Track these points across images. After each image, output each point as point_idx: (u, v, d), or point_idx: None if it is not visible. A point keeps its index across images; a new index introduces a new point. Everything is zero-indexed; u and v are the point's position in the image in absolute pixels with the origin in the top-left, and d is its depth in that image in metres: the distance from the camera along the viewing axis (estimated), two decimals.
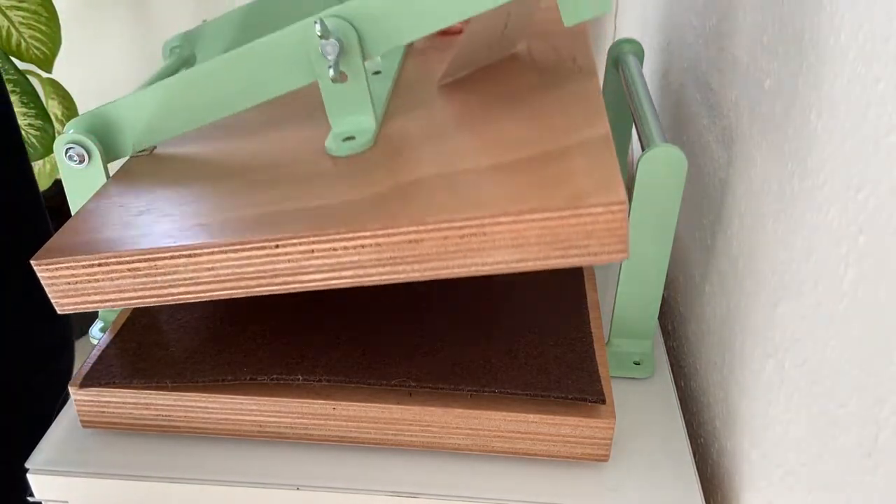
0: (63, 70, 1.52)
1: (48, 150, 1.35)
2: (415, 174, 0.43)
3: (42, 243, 0.45)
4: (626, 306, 0.52)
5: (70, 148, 0.49)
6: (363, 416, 0.46)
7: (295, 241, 0.41)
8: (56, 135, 1.40)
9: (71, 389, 0.47)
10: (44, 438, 0.50)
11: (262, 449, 0.49)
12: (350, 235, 0.40)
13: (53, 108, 1.48)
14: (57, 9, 1.45)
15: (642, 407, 0.52)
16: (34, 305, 0.71)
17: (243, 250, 0.41)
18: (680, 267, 0.65)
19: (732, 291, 0.51)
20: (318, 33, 0.45)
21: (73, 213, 0.51)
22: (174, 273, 0.43)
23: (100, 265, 0.43)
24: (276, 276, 0.42)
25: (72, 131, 0.49)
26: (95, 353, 0.49)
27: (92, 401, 0.47)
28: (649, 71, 0.80)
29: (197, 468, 0.48)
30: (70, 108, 1.49)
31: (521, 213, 0.38)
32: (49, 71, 1.48)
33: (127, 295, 0.44)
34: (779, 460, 0.42)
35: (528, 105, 0.49)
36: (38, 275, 0.43)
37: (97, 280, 0.43)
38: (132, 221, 0.45)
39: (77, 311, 0.45)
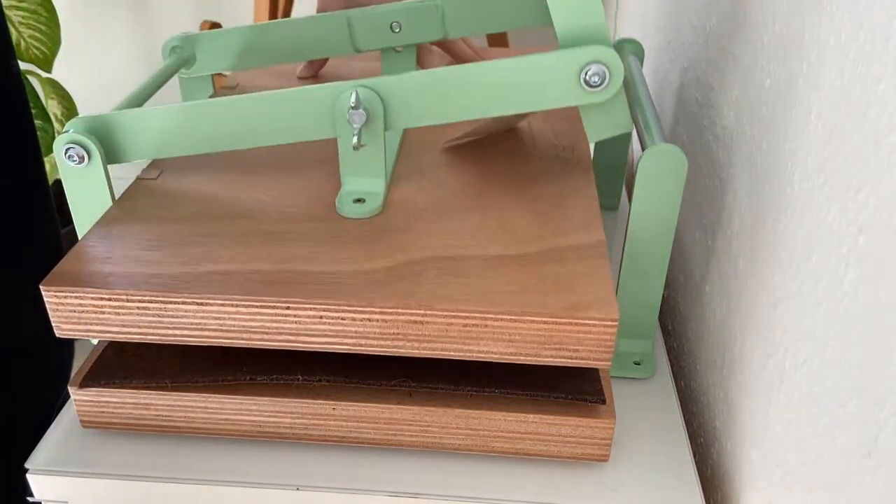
0: (63, 70, 1.52)
1: (48, 150, 1.35)
2: (424, 252, 0.46)
3: (48, 246, 0.45)
4: (626, 306, 0.52)
5: (70, 148, 0.49)
6: (363, 416, 0.46)
7: (306, 306, 0.42)
8: (56, 135, 1.40)
9: (71, 389, 0.47)
10: (44, 438, 0.50)
11: (261, 449, 0.49)
12: (359, 308, 0.42)
13: (53, 108, 1.48)
14: (57, 9, 1.45)
15: (642, 407, 0.52)
16: (33, 305, 0.71)
17: (254, 307, 0.43)
18: (680, 267, 0.65)
19: (732, 291, 0.51)
20: (352, 104, 0.46)
21: (73, 214, 0.51)
22: (181, 317, 0.43)
23: (109, 299, 0.43)
24: (280, 333, 0.43)
25: (72, 131, 0.49)
26: (95, 352, 0.49)
27: (92, 401, 0.47)
28: (649, 71, 0.80)
29: (197, 468, 0.47)
30: (70, 108, 1.49)
31: (522, 315, 0.42)
32: (49, 71, 1.48)
33: (129, 330, 0.44)
34: (779, 460, 0.42)
35: (529, 194, 0.53)
36: (45, 299, 0.44)
37: (103, 312, 0.44)
38: (143, 256, 0.46)
39: (74, 338, 0.46)
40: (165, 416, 0.47)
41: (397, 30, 0.65)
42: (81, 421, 0.48)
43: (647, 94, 0.55)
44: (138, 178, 0.55)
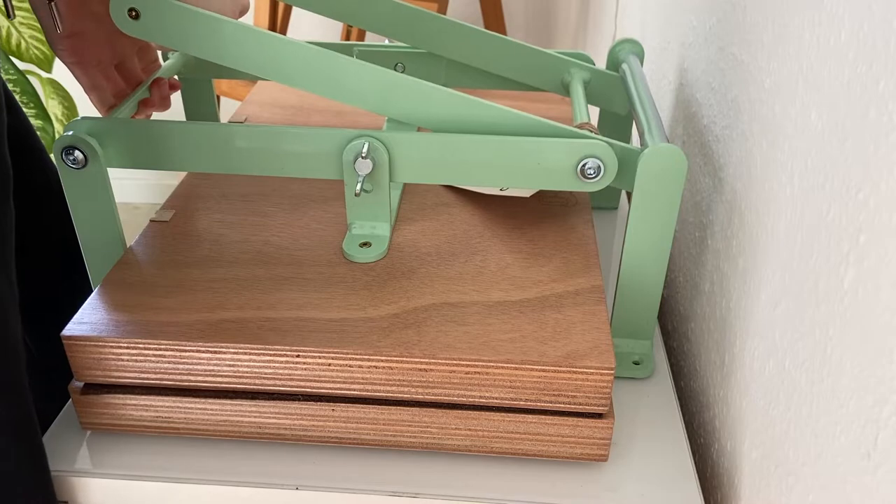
0: (64, 70, 1.52)
1: (48, 150, 1.35)
2: (427, 298, 0.48)
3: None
4: (625, 306, 0.52)
5: (70, 149, 0.49)
6: (362, 417, 0.46)
7: (315, 353, 0.44)
8: (56, 135, 1.40)
9: (71, 392, 0.47)
10: (43, 438, 0.49)
11: (261, 449, 0.49)
12: (366, 357, 0.44)
13: (53, 108, 1.48)
14: None
15: (642, 407, 0.52)
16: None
17: (266, 355, 0.44)
18: (680, 267, 0.65)
19: (732, 291, 0.51)
20: (363, 154, 0.48)
21: (73, 216, 0.51)
22: (196, 364, 0.45)
23: (128, 347, 0.45)
24: (291, 379, 0.45)
25: (72, 132, 0.49)
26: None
27: (92, 403, 0.47)
28: (649, 71, 0.80)
29: (196, 469, 0.47)
30: (70, 108, 1.49)
31: (522, 363, 0.43)
32: (49, 71, 1.48)
33: (146, 375, 0.46)
34: (779, 460, 0.42)
35: (528, 235, 0.55)
36: (66, 348, 0.45)
37: (121, 360, 0.45)
38: (158, 303, 0.47)
39: (95, 382, 0.47)
40: (165, 417, 0.47)
41: (401, 70, 0.67)
42: (81, 422, 0.48)
43: (648, 94, 0.55)
44: (151, 221, 0.56)
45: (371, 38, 1.65)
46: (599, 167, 0.48)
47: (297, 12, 1.69)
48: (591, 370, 0.43)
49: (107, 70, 0.56)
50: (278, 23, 1.56)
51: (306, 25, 1.75)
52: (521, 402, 0.45)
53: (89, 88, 0.55)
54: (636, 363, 0.54)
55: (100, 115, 0.51)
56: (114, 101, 0.57)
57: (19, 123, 0.62)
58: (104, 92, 0.56)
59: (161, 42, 0.49)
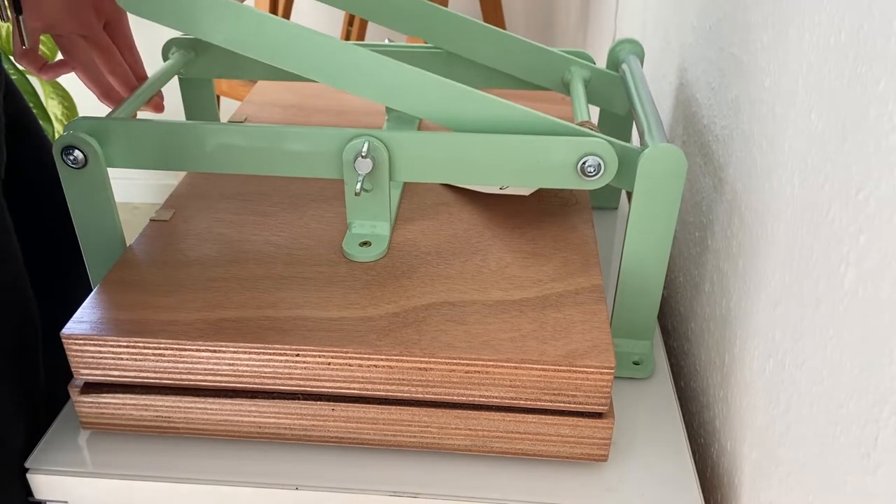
0: None
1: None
2: (427, 297, 0.48)
3: None
4: (625, 306, 0.52)
5: (70, 149, 0.49)
6: (362, 416, 0.46)
7: (315, 352, 0.44)
8: (56, 135, 1.40)
9: (71, 391, 0.47)
10: (44, 438, 0.50)
11: (261, 449, 0.49)
12: (366, 356, 0.44)
13: (53, 107, 1.48)
14: None
15: (642, 407, 0.52)
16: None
17: (265, 354, 0.44)
18: (680, 267, 0.65)
19: (732, 291, 0.51)
20: (363, 153, 0.48)
21: (73, 216, 0.51)
22: (196, 363, 0.45)
23: (127, 346, 0.45)
24: (291, 378, 0.45)
25: (72, 132, 0.49)
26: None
27: (92, 402, 0.47)
28: (649, 71, 0.80)
29: (196, 469, 0.47)
30: (70, 108, 1.49)
31: (522, 362, 0.43)
32: None
33: (145, 374, 0.46)
34: (779, 460, 0.42)
35: (528, 235, 0.55)
36: (66, 347, 0.45)
37: (121, 359, 0.45)
38: (158, 302, 0.47)
39: (94, 382, 0.47)
40: (165, 417, 0.47)
41: None
42: (81, 423, 0.48)
43: (648, 94, 0.55)
44: (151, 220, 0.56)
45: (370, 39, 1.65)
46: (600, 165, 0.48)
47: (296, 12, 1.69)
48: (591, 369, 0.43)
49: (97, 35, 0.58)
50: (279, 12, 1.56)
51: (305, 23, 1.75)
52: (521, 402, 0.45)
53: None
54: (636, 363, 0.54)
55: (100, 116, 0.51)
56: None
57: (16, 106, 0.63)
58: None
59: (161, 21, 0.48)
